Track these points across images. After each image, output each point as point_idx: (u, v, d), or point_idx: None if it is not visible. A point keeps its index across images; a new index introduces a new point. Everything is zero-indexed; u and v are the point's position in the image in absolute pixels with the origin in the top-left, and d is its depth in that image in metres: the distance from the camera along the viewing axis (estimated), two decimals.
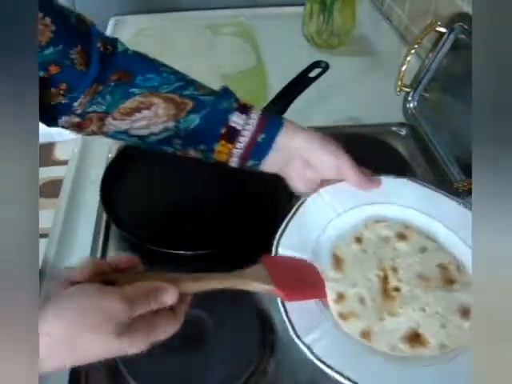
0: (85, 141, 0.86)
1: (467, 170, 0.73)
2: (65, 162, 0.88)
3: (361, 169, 0.58)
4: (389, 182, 0.60)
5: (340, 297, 0.50)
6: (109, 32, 1.22)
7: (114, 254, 0.68)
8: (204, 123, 0.57)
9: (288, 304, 0.48)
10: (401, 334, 0.49)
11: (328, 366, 0.45)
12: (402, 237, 0.56)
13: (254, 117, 0.58)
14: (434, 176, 0.78)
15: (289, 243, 0.53)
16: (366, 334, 0.48)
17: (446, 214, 0.58)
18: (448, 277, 0.53)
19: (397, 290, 0.51)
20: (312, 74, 0.87)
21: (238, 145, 0.57)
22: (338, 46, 1.14)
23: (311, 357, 0.45)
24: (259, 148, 0.57)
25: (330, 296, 0.51)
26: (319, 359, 0.45)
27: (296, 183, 0.59)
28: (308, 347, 0.46)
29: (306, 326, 0.47)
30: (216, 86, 1.02)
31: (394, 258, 0.54)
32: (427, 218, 0.58)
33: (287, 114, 0.81)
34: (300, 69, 0.87)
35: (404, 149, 0.84)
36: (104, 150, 0.83)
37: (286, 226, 0.55)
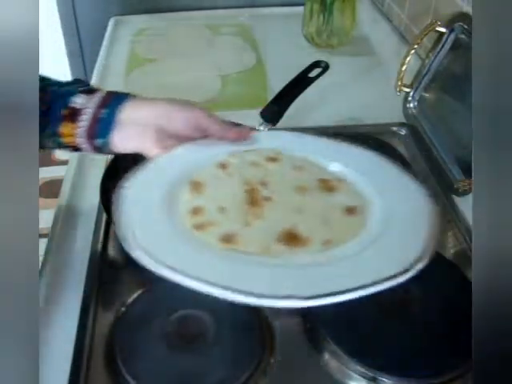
0: None
1: (467, 170, 0.73)
2: (65, 162, 0.87)
3: (227, 122, 0.56)
4: (260, 136, 0.58)
5: (196, 211, 0.47)
6: (109, 32, 1.22)
7: (114, 254, 0.68)
8: (48, 109, 0.56)
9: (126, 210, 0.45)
10: (274, 234, 0.45)
11: (172, 269, 0.40)
12: (272, 159, 0.53)
13: (98, 95, 0.56)
14: (433, 176, 0.78)
15: (140, 179, 0.50)
16: (227, 239, 0.44)
17: (322, 148, 0.56)
18: (327, 186, 0.50)
19: (267, 199, 0.48)
20: (312, 74, 0.87)
21: (81, 123, 0.55)
22: (338, 46, 1.14)
23: (148, 264, 0.40)
24: (103, 124, 0.55)
25: (183, 213, 0.47)
26: (163, 264, 0.40)
27: (148, 148, 0.55)
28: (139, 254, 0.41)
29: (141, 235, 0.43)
30: (216, 86, 1.02)
31: (264, 176, 0.50)
32: (300, 151, 0.56)
33: (287, 114, 0.81)
34: (300, 69, 0.87)
35: (404, 149, 0.84)
36: None
37: (137, 169, 0.52)
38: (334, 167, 0.55)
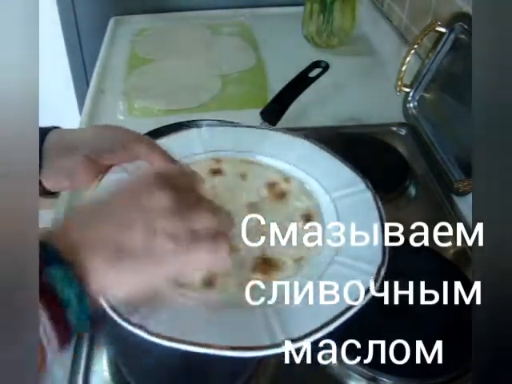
0: None
1: (467, 170, 0.73)
2: None
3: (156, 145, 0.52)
4: (192, 137, 0.58)
5: None
6: (109, 32, 1.22)
7: None
8: None
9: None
10: (249, 266, 0.47)
11: (172, 340, 0.39)
12: (215, 172, 0.54)
13: None
14: (434, 176, 0.78)
15: None
16: (209, 282, 0.45)
17: (259, 144, 0.57)
18: (278, 192, 0.53)
19: None
20: (312, 74, 0.87)
21: None
22: (338, 46, 1.14)
23: (147, 336, 0.40)
24: None
25: None
26: (158, 335, 0.39)
27: (81, 181, 0.53)
28: (140, 326, 0.40)
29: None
30: (216, 86, 1.02)
31: (213, 198, 0.49)
32: (238, 152, 0.57)
33: (287, 114, 0.81)
34: (300, 69, 0.87)
35: (404, 149, 0.84)
36: None
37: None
38: (275, 163, 0.56)
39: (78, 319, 0.36)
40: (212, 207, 0.42)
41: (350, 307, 0.42)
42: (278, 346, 0.40)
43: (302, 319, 0.42)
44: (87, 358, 0.54)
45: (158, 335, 0.40)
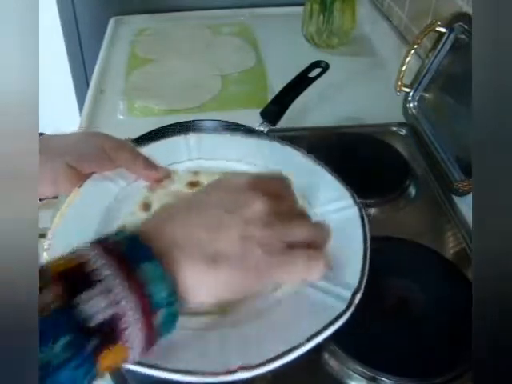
0: None
1: (467, 170, 0.73)
2: None
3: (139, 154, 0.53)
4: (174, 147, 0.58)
5: None
6: (109, 32, 1.22)
7: None
8: None
9: None
10: None
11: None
12: (193, 185, 0.53)
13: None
14: (434, 176, 0.78)
15: (65, 235, 0.48)
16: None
17: (245, 152, 0.57)
18: None
19: None
20: (312, 74, 0.87)
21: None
22: (338, 46, 1.14)
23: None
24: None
25: None
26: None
27: (63, 188, 0.53)
28: None
29: None
30: (216, 86, 1.02)
31: None
32: (222, 161, 0.56)
33: (287, 114, 0.81)
34: (300, 69, 0.87)
35: (404, 149, 0.84)
36: None
37: (61, 219, 0.50)
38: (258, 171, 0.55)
39: (166, 321, 0.34)
40: (308, 219, 0.42)
41: (314, 335, 0.40)
42: (233, 373, 0.38)
43: (265, 345, 0.40)
44: None
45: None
